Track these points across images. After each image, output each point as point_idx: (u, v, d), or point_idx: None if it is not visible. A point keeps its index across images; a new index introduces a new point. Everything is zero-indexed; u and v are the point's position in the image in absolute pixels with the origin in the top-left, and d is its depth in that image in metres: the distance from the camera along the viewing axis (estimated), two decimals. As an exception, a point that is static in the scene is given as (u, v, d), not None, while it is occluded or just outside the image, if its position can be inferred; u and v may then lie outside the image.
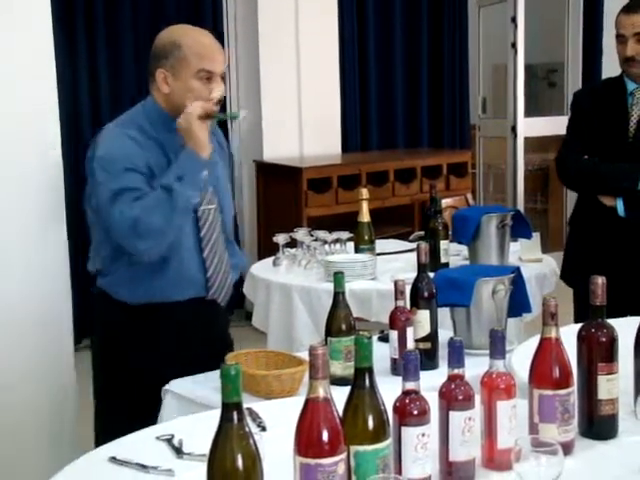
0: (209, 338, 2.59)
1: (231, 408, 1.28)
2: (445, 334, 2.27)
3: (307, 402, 1.37)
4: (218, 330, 2.67)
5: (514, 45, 7.02)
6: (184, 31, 2.47)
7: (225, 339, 2.71)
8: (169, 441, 1.79)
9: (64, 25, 4.96)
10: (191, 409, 2.17)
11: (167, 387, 2.30)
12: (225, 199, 2.61)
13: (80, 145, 5.15)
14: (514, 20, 6.99)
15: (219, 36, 5.36)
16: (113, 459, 1.70)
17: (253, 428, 1.83)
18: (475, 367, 1.73)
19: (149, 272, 2.44)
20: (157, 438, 1.82)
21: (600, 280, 1.74)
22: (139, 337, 2.52)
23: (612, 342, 1.73)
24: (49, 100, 3.00)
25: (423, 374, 1.90)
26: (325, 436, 1.34)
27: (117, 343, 2.55)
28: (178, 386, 2.30)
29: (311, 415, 1.35)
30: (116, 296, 2.50)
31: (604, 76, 5.59)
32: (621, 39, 3.05)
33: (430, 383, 1.66)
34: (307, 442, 1.35)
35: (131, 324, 2.51)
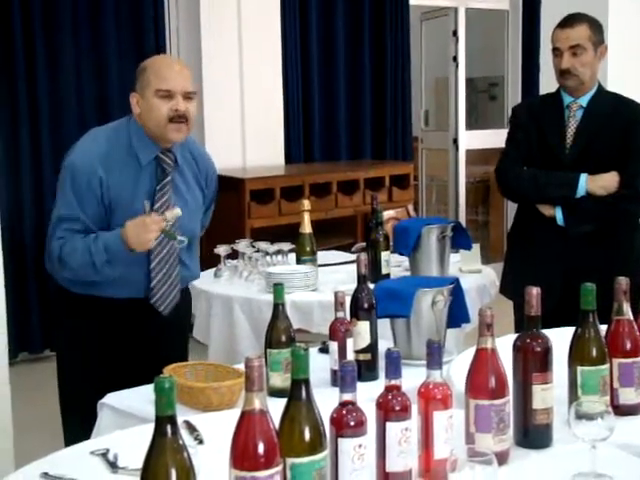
0: (143, 337, 2.68)
1: (165, 421, 1.26)
2: (386, 345, 2.26)
3: (243, 414, 1.35)
4: (154, 333, 2.70)
5: (455, 58, 7.13)
6: (153, 58, 2.70)
7: (163, 347, 2.72)
8: (104, 455, 1.76)
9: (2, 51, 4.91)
10: (128, 422, 2.14)
11: (103, 400, 2.27)
12: (185, 219, 2.66)
13: (19, 153, 5.09)
14: (455, 34, 7.09)
15: (161, 49, 5.39)
16: (45, 475, 1.67)
17: (190, 441, 1.81)
18: (415, 378, 1.73)
19: None
20: (92, 453, 1.79)
21: (535, 291, 1.77)
22: (74, 325, 2.68)
23: (547, 352, 1.75)
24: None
25: (363, 385, 1.90)
26: (260, 449, 1.33)
27: (61, 328, 2.76)
28: (114, 399, 2.26)
29: (246, 428, 1.34)
30: (59, 282, 2.68)
31: (542, 91, 5.70)
32: (557, 52, 3.11)
33: (370, 394, 1.66)
34: (242, 455, 1.33)
35: (69, 310, 2.69)
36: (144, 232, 2.45)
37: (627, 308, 1.94)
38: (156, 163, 2.61)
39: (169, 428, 1.26)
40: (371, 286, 2.44)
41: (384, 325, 2.51)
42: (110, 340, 2.64)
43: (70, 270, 2.57)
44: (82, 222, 2.54)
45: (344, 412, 1.50)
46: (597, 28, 3.12)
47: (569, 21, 3.10)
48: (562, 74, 3.11)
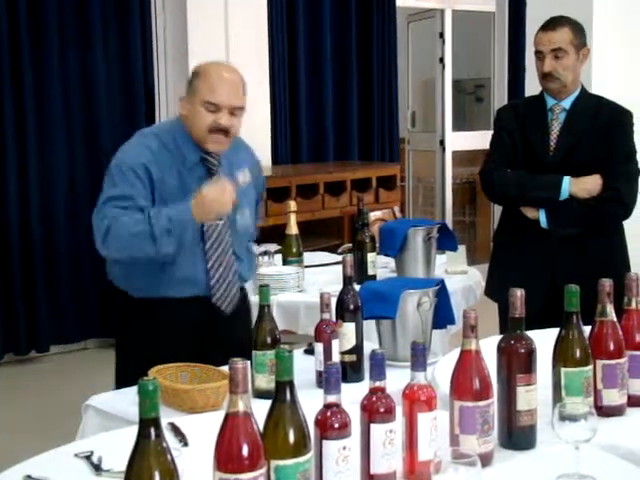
0: (208, 337, 2.66)
1: (148, 424, 1.26)
2: (372, 346, 2.27)
3: (227, 417, 1.35)
4: (219, 332, 2.66)
5: (442, 60, 7.15)
6: (208, 64, 2.68)
7: (229, 343, 2.63)
8: (88, 458, 1.76)
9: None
10: (113, 424, 2.13)
11: (88, 402, 2.26)
12: (239, 215, 2.69)
13: (4, 153, 5.06)
14: (442, 36, 7.12)
15: (147, 48, 5.39)
16: (28, 478, 1.66)
17: (175, 443, 1.81)
18: (401, 379, 1.73)
19: (145, 272, 2.58)
20: (76, 455, 1.78)
21: (519, 292, 1.77)
22: (140, 328, 2.65)
23: (530, 353, 1.76)
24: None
25: (349, 387, 1.90)
26: (244, 451, 1.33)
27: (125, 332, 2.72)
28: (99, 401, 2.25)
29: (230, 430, 1.34)
30: (120, 287, 2.67)
31: (528, 92, 5.74)
32: (539, 55, 3.12)
33: (356, 396, 1.66)
34: (226, 457, 1.33)
35: (133, 314, 2.66)
36: (225, 196, 2.47)
37: (610, 310, 1.95)
38: (202, 164, 2.63)
39: (153, 430, 1.26)
40: (357, 287, 2.44)
41: (370, 326, 2.51)
42: (174, 344, 2.59)
43: (117, 244, 2.48)
44: (133, 200, 2.49)
45: (328, 414, 1.50)
46: (579, 31, 3.13)
47: (551, 24, 3.10)
48: (544, 77, 3.12)
